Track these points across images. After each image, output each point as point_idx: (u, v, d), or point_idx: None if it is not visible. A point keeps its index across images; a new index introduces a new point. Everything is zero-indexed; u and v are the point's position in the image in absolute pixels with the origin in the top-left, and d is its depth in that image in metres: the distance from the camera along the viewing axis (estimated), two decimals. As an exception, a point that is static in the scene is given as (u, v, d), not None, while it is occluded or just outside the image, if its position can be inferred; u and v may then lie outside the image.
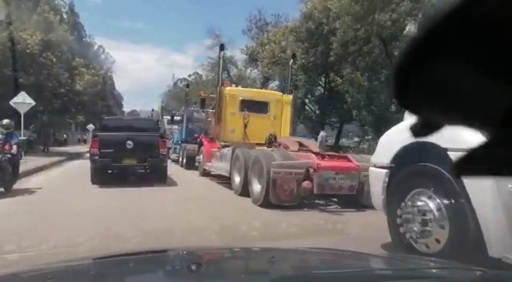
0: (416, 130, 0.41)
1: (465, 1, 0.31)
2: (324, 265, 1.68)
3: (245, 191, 7.69)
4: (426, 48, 0.34)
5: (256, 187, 7.13)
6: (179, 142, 16.30)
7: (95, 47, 49.91)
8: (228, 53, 34.40)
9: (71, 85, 22.57)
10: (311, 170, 6.64)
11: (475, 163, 0.39)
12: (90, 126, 32.51)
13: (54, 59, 20.64)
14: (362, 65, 18.78)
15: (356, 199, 6.76)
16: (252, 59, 32.21)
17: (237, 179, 8.25)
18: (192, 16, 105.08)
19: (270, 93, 11.21)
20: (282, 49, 26.09)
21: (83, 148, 26.24)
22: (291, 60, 11.90)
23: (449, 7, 0.31)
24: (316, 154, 7.48)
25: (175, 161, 16.46)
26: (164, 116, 23.66)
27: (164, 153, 9.91)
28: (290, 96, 11.07)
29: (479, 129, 0.37)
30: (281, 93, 11.37)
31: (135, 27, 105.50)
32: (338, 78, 18.76)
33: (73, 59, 24.36)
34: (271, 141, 9.93)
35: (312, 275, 1.36)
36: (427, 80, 0.35)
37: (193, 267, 1.24)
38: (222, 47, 10.74)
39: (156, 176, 9.81)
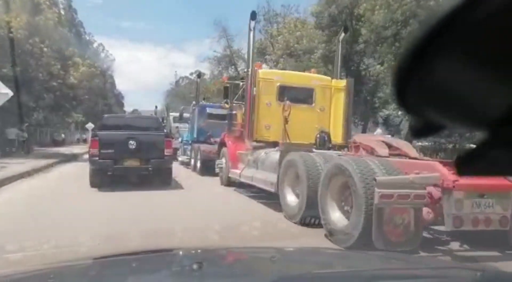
0: (417, 131, 0.40)
1: (465, 3, 0.31)
2: (324, 265, 1.63)
3: (308, 218, 5.02)
4: (426, 49, 0.33)
5: (338, 217, 4.41)
6: (189, 142, 14.13)
7: (95, 45, 47.90)
8: (235, 46, 32.19)
9: (64, 78, 19.84)
10: (432, 191, 3.98)
11: (475, 162, 0.39)
12: (89, 125, 29.99)
13: (45, 49, 18.02)
14: (400, 52, 16.13)
15: (503, 235, 4.11)
16: (261, 52, 29.99)
17: (291, 198, 5.60)
18: (193, 13, 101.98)
19: (315, 78, 8.52)
20: (297, 39, 23.95)
21: (81, 148, 23.74)
22: (342, 35, 9.18)
23: (448, 8, 0.31)
24: (440, 162, 4.69)
25: (185, 164, 14.29)
26: (170, 113, 21.08)
27: (169, 154, 9.08)
28: (343, 82, 8.38)
29: (479, 130, 0.37)
30: (329, 78, 8.68)
31: (135, 26, 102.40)
32: (378, 65, 16.04)
33: (66, 49, 21.57)
34: (324, 141, 7.30)
35: (312, 275, 1.35)
36: (427, 81, 0.35)
37: (195, 266, 1.23)
38: (253, 16, 8.06)
39: (160, 179, 8.89)
